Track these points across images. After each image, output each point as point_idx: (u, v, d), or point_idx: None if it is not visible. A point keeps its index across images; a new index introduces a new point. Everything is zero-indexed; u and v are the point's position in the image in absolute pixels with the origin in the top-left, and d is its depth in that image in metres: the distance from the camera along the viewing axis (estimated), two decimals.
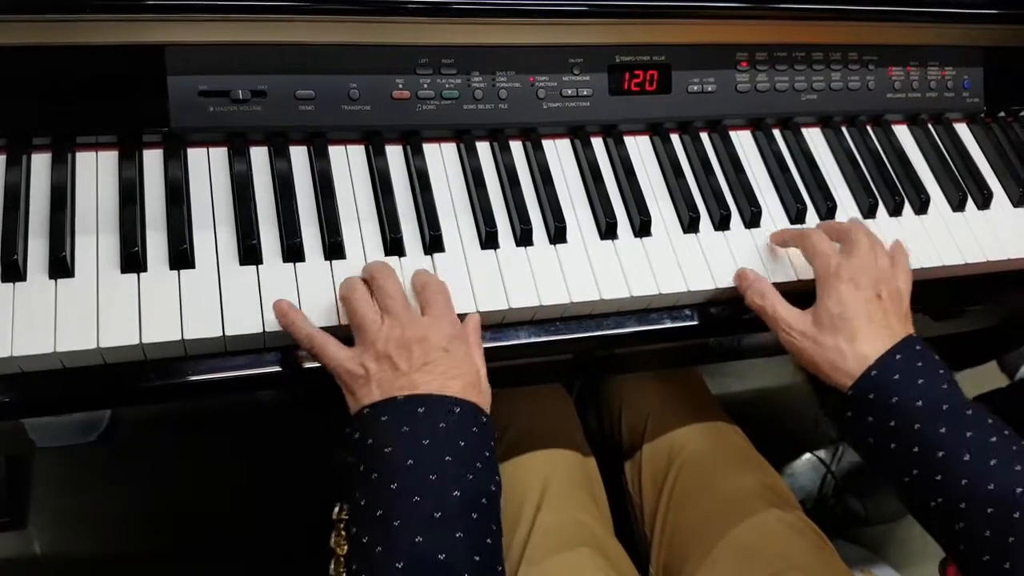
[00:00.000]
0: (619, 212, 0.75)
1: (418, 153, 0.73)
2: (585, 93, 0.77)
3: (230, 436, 1.26)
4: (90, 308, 0.60)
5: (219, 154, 0.69)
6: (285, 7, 0.67)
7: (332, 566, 0.52)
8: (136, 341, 0.59)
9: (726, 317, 0.75)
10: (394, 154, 0.73)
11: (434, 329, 0.58)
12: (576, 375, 1.04)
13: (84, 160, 0.67)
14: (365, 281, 0.62)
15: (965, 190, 0.86)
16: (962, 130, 0.92)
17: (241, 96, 0.68)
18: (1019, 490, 0.57)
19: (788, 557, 0.77)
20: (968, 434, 0.60)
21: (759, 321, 0.73)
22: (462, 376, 0.56)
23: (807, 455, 1.40)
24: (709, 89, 0.81)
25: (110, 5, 0.63)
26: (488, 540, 0.51)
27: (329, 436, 1.28)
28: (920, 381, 0.62)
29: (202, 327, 0.61)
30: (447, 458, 0.52)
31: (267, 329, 0.62)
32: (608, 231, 0.74)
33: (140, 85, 0.66)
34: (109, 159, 0.67)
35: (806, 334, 0.66)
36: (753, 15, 0.80)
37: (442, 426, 0.53)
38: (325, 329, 0.62)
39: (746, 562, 0.77)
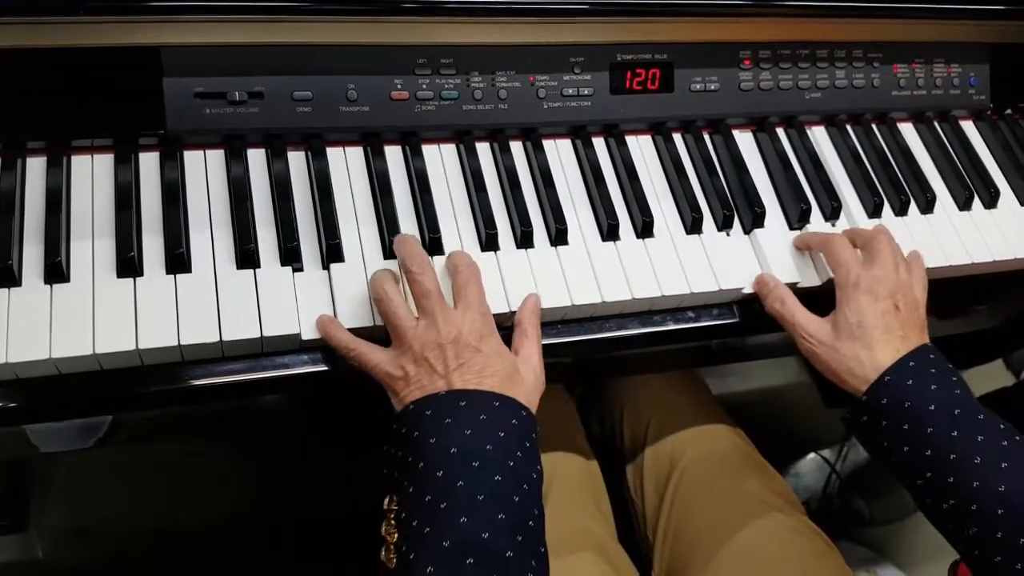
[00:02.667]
0: (621, 213, 0.74)
1: (417, 154, 0.73)
2: (586, 92, 0.77)
3: (230, 439, 1.26)
4: (86, 313, 0.59)
5: (216, 156, 0.69)
6: (282, 8, 0.66)
7: (383, 552, 0.55)
8: (132, 347, 0.58)
9: (729, 318, 0.75)
10: (393, 155, 0.73)
11: (466, 326, 0.60)
12: (578, 378, 1.04)
13: (79, 163, 0.66)
14: (390, 272, 0.64)
15: (972, 189, 0.85)
16: (968, 128, 0.91)
17: (238, 98, 0.67)
18: None
19: (791, 562, 0.77)
20: (980, 438, 0.61)
21: (762, 323, 0.72)
22: (496, 372, 0.59)
23: (811, 455, 1.39)
24: (712, 88, 0.80)
25: (105, 6, 0.62)
26: (530, 522, 0.54)
27: (329, 437, 1.28)
28: (933, 387, 0.63)
29: (199, 332, 0.60)
30: (488, 446, 0.55)
31: (265, 334, 0.61)
32: (610, 232, 0.73)
33: (136, 87, 0.66)
34: (105, 162, 0.66)
35: (824, 342, 0.68)
36: (756, 12, 0.79)
37: (483, 418, 0.56)
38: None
39: (749, 567, 0.76)
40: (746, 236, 0.77)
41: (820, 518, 0.85)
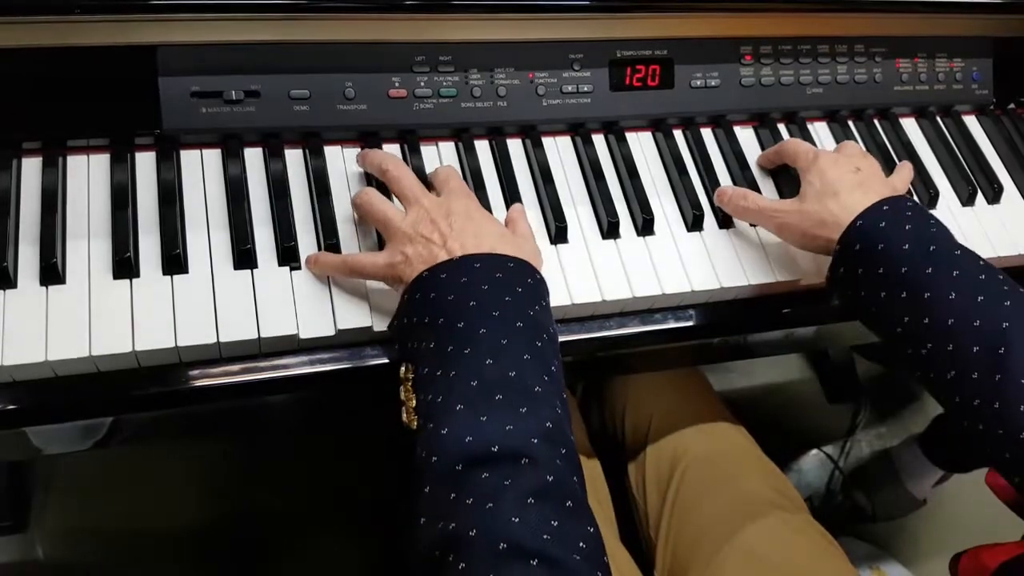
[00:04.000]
0: (621, 210, 0.74)
1: (416, 152, 0.72)
2: (586, 89, 0.76)
3: (230, 441, 1.26)
4: (82, 315, 0.59)
5: (212, 156, 0.68)
6: (278, 5, 0.65)
7: (404, 415, 0.54)
8: (129, 349, 0.58)
9: (731, 316, 0.74)
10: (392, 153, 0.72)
11: (453, 201, 0.61)
12: (578, 376, 1.03)
13: (75, 164, 0.65)
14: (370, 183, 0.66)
15: (975, 184, 0.85)
16: (971, 123, 0.90)
17: (234, 96, 0.67)
18: (1006, 324, 0.56)
19: (795, 561, 0.76)
20: (955, 273, 0.59)
21: (765, 320, 0.71)
22: (492, 233, 0.60)
23: (814, 451, 1.39)
24: (712, 84, 0.80)
25: (100, 5, 0.62)
26: (553, 367, 0.54)
27: (329, 437, 1.28)
28: (908, 227, 0.62)
29: (196, 333, 0.60)
30: (507, 298, 0.55)
31: (263, 335, 0.61)
32: (610, 230, 0.72)
33: (131, 87, 0.65)
34: (101, 162, 0.66)
35: (791, 209, 0.69)
36: (757, 7, 0.78)
37: (499, 275, 0.56)
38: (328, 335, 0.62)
39: (752, 566, 0.76)
40: (748, 233, 0.76)
41: (823, 514, 0.85)
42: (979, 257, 0.61)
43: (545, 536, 0.44)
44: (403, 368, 0.56)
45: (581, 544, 0.45)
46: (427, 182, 0.70)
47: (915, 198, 0.82)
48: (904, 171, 0.76)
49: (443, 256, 0.58)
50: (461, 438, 0.48)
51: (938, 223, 0.63)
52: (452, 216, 0.60)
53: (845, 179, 0.67)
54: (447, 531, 0.45)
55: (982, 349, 0.56)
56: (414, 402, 0.53)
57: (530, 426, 0.48)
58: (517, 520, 0.44)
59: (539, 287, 0.58)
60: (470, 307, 0.54)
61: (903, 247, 0.61)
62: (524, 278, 0.57)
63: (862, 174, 0.68)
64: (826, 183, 0.67)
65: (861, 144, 0.84)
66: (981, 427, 0.56)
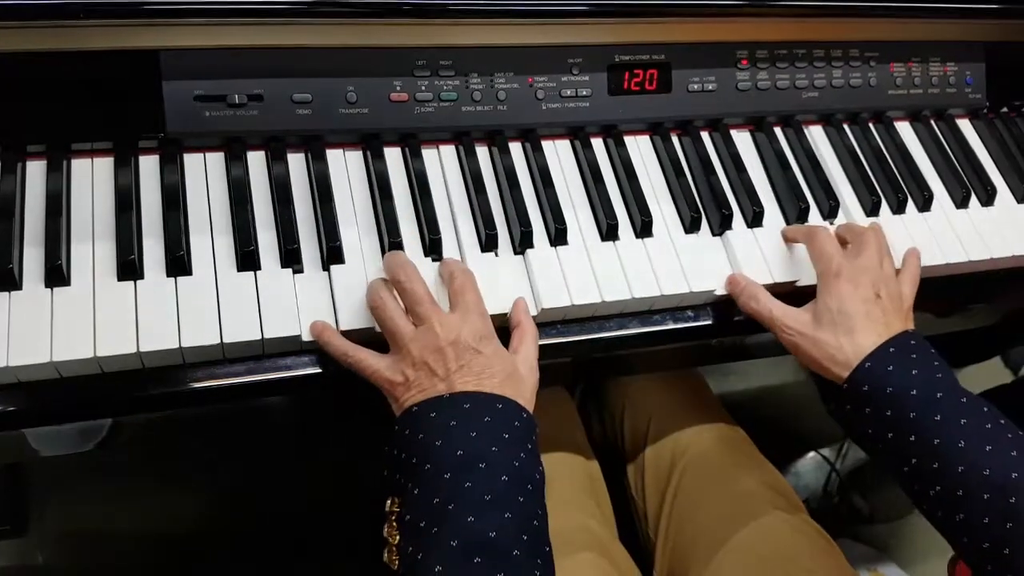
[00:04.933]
0: (620, 213, 0.74)
1: (416, 156, 0.73)
2: (584, 93, 0.77)
3: (231, 443, 1.26)
4: (86, 317, 0.59)
5: (216, 159, 0.69)
6: (281, 10, 0.66)
7: (385, 554, 0.55)
8: (133, 350, 0.59)
9: (729, 317, 0.75)
10: (392, 157, 0.73)
11: (465, 329, 0.60)
12: (578, 377, 1.04)
13: (79, 167, 0.66)
14: (386, 281, 0.64)
15: (969, 187, 0.86)
16: (965, 126, 0.91)
17: (237, 100, 0.67)
18: (1015, 475, 0.57)
19: (793, 560, 0.77)
20: (963, 421, 0.60)
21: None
22: (497, 373, 0.59)
23: (811, 453, 1.40)
24: (709, 88, 0.80)
25: (104, 11, 0.62)
26: (535, 522, 0.54)
27: (330, 438, 1.28)
28: (914, 372, 0.63)
29: (200, 335, 0.60)
30: (493, 448, 0.55)
31: (266, 336, 0.61)
32: (609, 232, 0.73)
33: (135, 91, 0.66)
34: (105, 165, 0.66)
35: (804, 333, 0.67)
36: (753, 13, 0.79)
37: (487, 420, 0.57)
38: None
39: (751, 566, 0.76)
40: (745, 235, 0.77)
41: (820, 516, 0.85)
42: (984, 402, 0.63)
43: None
44: (389, 502, 0.56)
45: None
46: (426, 186, 0.71)
47: (910, 202, 0.83)
48: (912, 267, 0.73)
49: (441, 390, 0.58)
50: None
51: (943, 366, 0.64)
52: (459, 347, 0.59)
53: (862, 311, 0.66)
54: None
55: (992, 497, 0.57)
56: (396, 541, 0.54)
57: None
58: None
59: (527, 427, 0.58)
60: (457, 456, 0.54)
61: (911, 392, 0.62)
62: (512, 420, 0.58)
63: (880, 303, 0.66)
64: (844, 313, 0.66)
65: (858, 146, 0.85)
66: (990, 568, 0.57)
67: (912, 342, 0.65)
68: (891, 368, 0.63)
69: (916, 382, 0.62)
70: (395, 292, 0.63)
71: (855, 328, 0.65)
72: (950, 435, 0.60)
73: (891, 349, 0.64)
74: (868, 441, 0.65)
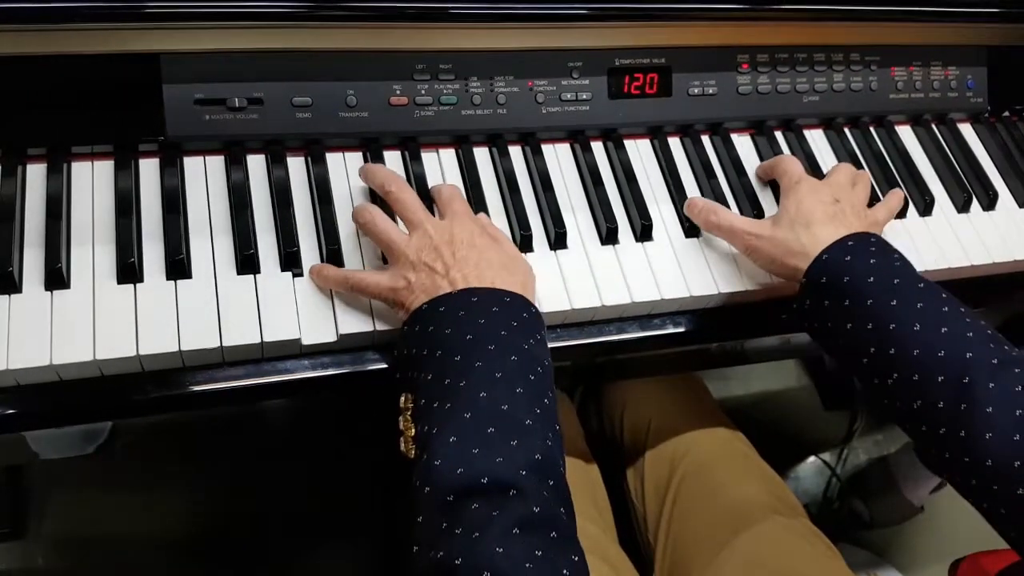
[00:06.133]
0: (620, 217, 0.74)
1: (416, 159, 0.73)
2: (584, 97, 0.77)
3: (231, 445, 1.26)
4: (86, 320, 0.59)
5: (216, 162, 0.69)
6: (281, 14, 0.66)
7: (402, 444, 0.55)
8: (133, 353, 0.59)
9: (729, 322, 0.75)
10: (393, 161, 0.73)
11: (457, 227, 0.62)
12: (577, 381, 1.03)
13: (80, 170, 0.66)
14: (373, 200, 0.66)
15: (970, 191, 0.85)
16: (966, 130, 0.91)
17: (237, 104, 0.68)
18: (969, 355, 0.57)
19: (793, 565, 0.77)
20: (919, 305, 0.60)
21: (762, 325, 0.72)
22: (495, 264, 0.61)
23: (811, 458, 1.39)
24: (710, 91, 0.80)
25: (104, 14, 0.62)
26: (545, 400, 0.55)
27: (330, 439, 1.28)
28: (872, 261, 0.63)
29: (199, 338, 0.60)
30: (502, 332, 0.56)
31: (265, 339, 0.61)
32: (609, 236, 0.73)
33: (135, 94, 0.66)
34: (105, 169, 0.66)
35: (762, 235, 0.69)
36: (753, 17, 0.79)
37: (495, 310, 0.57)
38: (330, 340, 0.62)
39: (751, 571, 0.76)
40: None
41: (820, 521, 0.85)
42: (942, 290, 0.62)
43: (527, 565, 0.45)
44: (403, 398, 0.57)
45: (564, 572, 0.46)
46: (426, 189, 0.71)
47: (911, 206, 0.83)
48: (893, 200, 0.77)
49: (445, 286, 0.59)
50: (453, 470, 0.49)
51: (902, 258, 0.65)
52: (455, 244, 0.61)
53: (820, 209, 0.68)
54: (436, 559, 0.46)
55: (947, 379, 0.57)
56: (412, 431, 0.55)
57: (519, 458, 0.50)
58: (501, 551, 0.45)
59: (534, 321, 0.59)
60: (467, 340, 0.55)
61: (868, 280, 0.62)
62: (520, 312, 0.58)
63: (839, 206, 0.68)
64: (801, 211, 0.68)
65: (859, 150, 0.85)
66: (947, 455, 0.57)
67: (872, 238, 0.66)
68: (848, 258, 0.64)
69: (873, 270, 0.62)
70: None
71: (813, 223, 0.67)
72: (907, 319, 0.60)
73: (849, 243, 0.65)
74: (826, 335, 0.65)
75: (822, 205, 0.68)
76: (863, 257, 0.63)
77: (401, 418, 0.56)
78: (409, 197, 0.64)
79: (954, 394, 0.56)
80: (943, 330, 0.58)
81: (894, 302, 0.60)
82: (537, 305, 0.61)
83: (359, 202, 0.68)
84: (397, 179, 0.65)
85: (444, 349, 0.55)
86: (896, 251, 0.65)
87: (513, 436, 0.51)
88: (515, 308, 0.58)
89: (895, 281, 0.62)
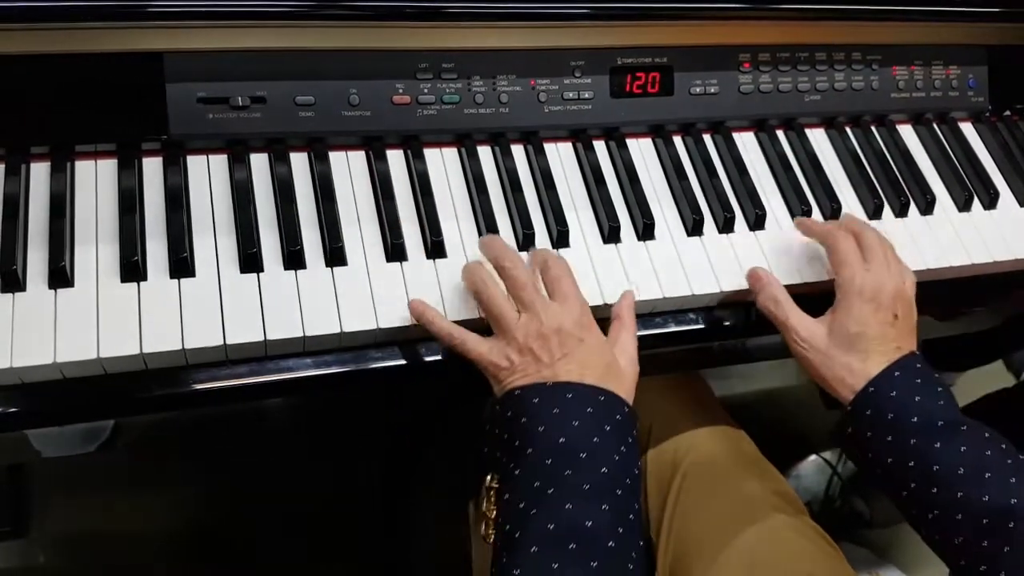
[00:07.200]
0: (622, 215, 0.75)
1: (419, 158, 0.73)
2: (587, 96, 0.77)
3: (233, 444, 1.26)
4: (90, 318, 0.59)
5: (219, 161, 0.69)
6: (284, 13, 0.66)
7: (483, 527, 0.57)
8: (137, 351, 0.59)
9: (731, 320, 0.75)
10: (395, 159, 0.73)
11: (567, 317, 0.61)
12: None
13: (83, 169, 0.66)
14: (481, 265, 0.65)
15: (971, 190, 0.86)
16: (967, 129, 0.92)
17: (240, 103, 0.68)
18: (1014, 501, 0.58)
19: (795, 563, 0.77)
20: (963, 448, 0.61)
21: (765, 325, 0.72)
22: (599, 365, 0.61)
23: (813, 457, 1.39)
24: (712, 91, 0.81)
25: (108, 13, 0.63)
26: (631, 516, 0.55)
27: (331, 439, 1.28)
28: (917, 398, 0.63)
29: (203, 336, 0.60)
30: (595, 439, 0.56)
31: (269, 337, 0.62)
32: (611, 235, 0.73)
33: (139, 93, 0.66)
34: (108, 167, 0.67)
35: (818, 348, 0.67)
36: (755, 16, 0.79)
37: (589, 411, 0.58)
38: (326, 336, 0.62)
39: (753, 569, 0.76)
40: (747, 238, 0.77)
41: (822, 520, 0.85)
42: (984, 429, 0.63)
43: None
44: (489, 477, 0.58)
45: None
46: (429, 187, 0.71)
47: (912, 205, 0.83)
48: (908, 270, 0.71)
49: (545, 376, 0.59)
50: None
51: (945, 392, 0.65)
52: (563, 335, 0.60)
53: (879, 333, 0.66)
54: None
55: (992, 522, 0.58)
56: (494, 516, 0.56)
57: None
58: None
59: (627, 422, 0.60)
60: (559, 444, 0.56)
61: (912, 419, 0.63)
62: (614, 414, 0.59)
63: (897, 325, 0.66)
64: (864, 336, 0.65)
65: (860, 149, 0.85)
66: None
67: (917, 365, 0.66)
68: (894, 394, 0.64)
69: (917, 409, 0.63)
70: (495, 276, 0.64)
71: (870, 352, 0.65)
72: (950, 462, 0.61)
73: (896, 373, 0.65)
74: (867, 463, 0.66)
75: (882, 328, 0.66)
76: (908, 394, 0.63)
77: (485, 500, 0.57)
78: (523, 276, 0.62)
79: (998, 537, 0.57)
80: (987, 475, 0.59)
81: (938, 444, 0.61)
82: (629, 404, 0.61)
83: (379, 271, 0.67)
84: (512, 255, 0.64)
85: (535, 448, 0.56)
86: (940, 383, 0.65)
87: (594, 557, 0.51)
88: (610, 408, 0.59)
89: (939, 423, 0.62)
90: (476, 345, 0.62)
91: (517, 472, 0.56)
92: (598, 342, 0.62)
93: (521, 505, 0.54)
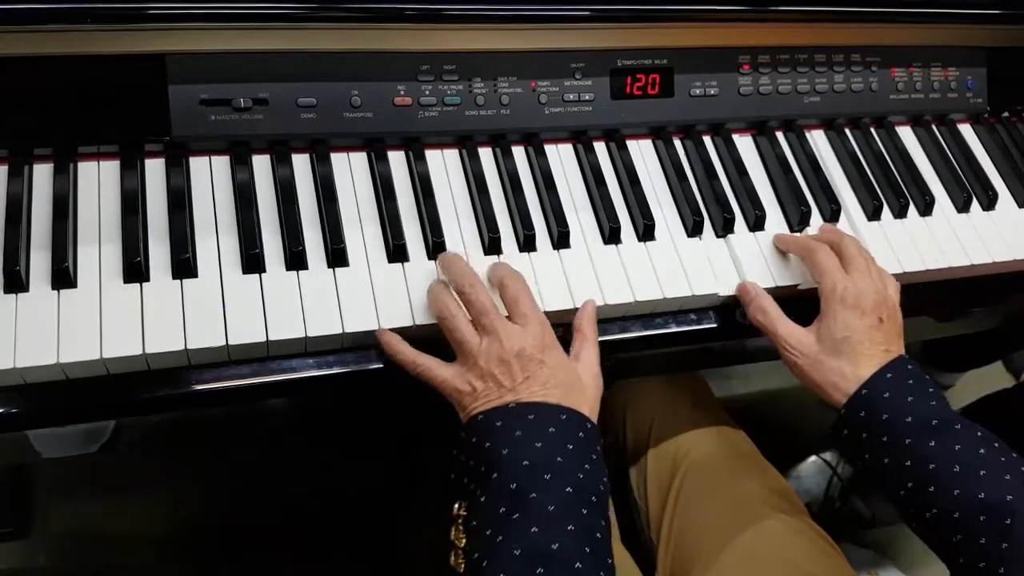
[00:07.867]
0: (622, 216, 0.75)
1: (420, 159, 0.73)
2: (587, 98, 0.77)
3: (234, 444, 1.26)
4: (93, 319, 0.60)
5: (221, 162, 0.69)
6: (286, 15, 0.67)
7: (452, 557, 0.57)
8: (139, 351, 0.59)
9: (731, 321, 0.75)
10: (397, 161, 0.73)
11: (528, 340, 0.61)
12: None
13: (86, 170, 0.66)
14: (446, 286, 0.65)
15: (970, 191, 0.86)
16: (966, 131, 0.92)
17: (243, 104, 0.68)
18: (1009, 497, 0.59)
19: (795, 562, 0.77)
20: (957, 447, 0.62)
21: None
22: (561, 384, 0.61)
23: (812, 457, 1.40)
24: (711, 92, 0.81)
25: (111, 15, 0.63)
26: (598, 535, 0.55)
27: (332, 440, 1.28)
28: (909, 399, 0.64)
29: (205, 337, 0.61)
30: (558, 459, 0.56)
31: (271, 338, 0.62)
32: (611, 236, 0.73)
33: (141, 94, 0.66)
34: (111, 169, 0.67)
35: (808, 355, 0.68)
36: (755, 18, 0.79)
37: (552, 431, 0.58)
38: (328, 336, 0.63)
39: (753, 568, 0.76)
40: (747, 239, 0.77)
41: (822, 520, 0.85)
42: (978, 428, 0.64)
43: None
44: (456, 505, 0.58)
45: None
46: (430, 189, 0.71)
47: (912, 206, 0.83)
48: (888, 277, 0.72)
49: (508, 399, 0.59)
50: None
51: (937, 392, 0.65)
52: (525, 359, 0.60)
53: (867, 337, 0.66)
54: None
55: (989, 519, 0.59)
56: (463, 544, 0.56)
57: None
58: None
59: (591, 438, 0.60)
60: (524, 467, 0.56)
61: (906, 419, 0.63)
62: (576, 432, 0.59)
63: (883, 328, 0.67)
64: (851, 341, 0.66)
65: (859, 151, 0.86)
66: None
67: (908, 367, 0.66)
68: (887, 395, 0.64)
69: (911, 409, 0.64)
70: (458, 300, 0.63)
71: (859, 356, 0.66)
72: (945, 460, 0.61)
73: (888, 375, 0.65)
74: (864, 464, 0.67)
75: (868, 331, 0.67)
76: (901, 394, 0.64)
77: (453, 528, 0.57)
78: (483, 300, 0.62)
79: (996, 533, 0.58)
80: (982, 472, 0.60)
81: (933, 443, 0.62)
82: (592, 420, 0.61)
83: (381, 273, 0.67)
84: (471, 276, 0.63)
85: (499, 472, 0.56)
86: (931, 383, 0.66)
87: None
88: (572, 426, 0.59)
89: (933, 423, 0.63)
90: (440, 371, 0.62)
91: (483, 499, 0.56)
92: (559, 361, 0.62)
93: (488, 532, 0.54)
